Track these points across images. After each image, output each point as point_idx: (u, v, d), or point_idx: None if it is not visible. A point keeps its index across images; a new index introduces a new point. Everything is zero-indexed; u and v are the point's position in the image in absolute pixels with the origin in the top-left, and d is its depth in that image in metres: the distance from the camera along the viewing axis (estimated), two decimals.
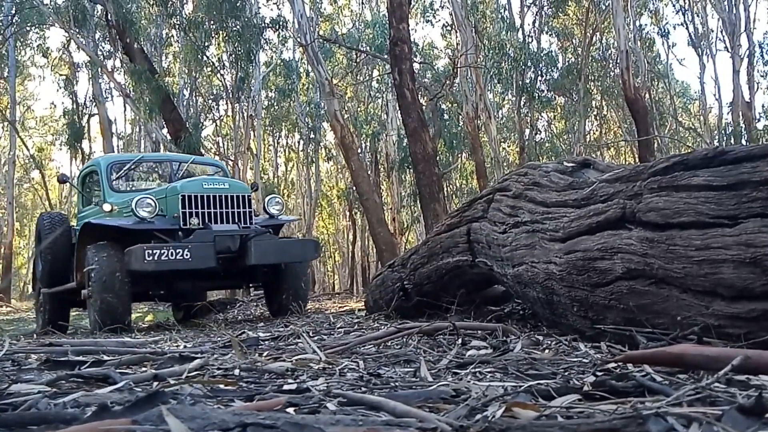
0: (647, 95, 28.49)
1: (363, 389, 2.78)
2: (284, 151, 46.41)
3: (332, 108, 20.06)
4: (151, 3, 27.89)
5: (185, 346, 5.04)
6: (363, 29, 38.36)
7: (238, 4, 26.31)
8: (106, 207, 11.41)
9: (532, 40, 33.75)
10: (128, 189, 12.45)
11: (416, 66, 26.98)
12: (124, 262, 9.91)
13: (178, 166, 13.16)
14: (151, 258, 9.52)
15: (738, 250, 3.17)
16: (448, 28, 36.12)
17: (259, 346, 4.72)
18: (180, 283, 11.31)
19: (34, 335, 10.49)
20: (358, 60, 34.93)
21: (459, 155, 35.33)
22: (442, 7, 36.31)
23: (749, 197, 3.20)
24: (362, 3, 40.03)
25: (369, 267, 37.23)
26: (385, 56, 24.63)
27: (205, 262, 9.96)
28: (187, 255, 9.73)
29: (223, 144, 38.03)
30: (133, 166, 12.88)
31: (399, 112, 20.27)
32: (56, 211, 14.41)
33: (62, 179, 12.93)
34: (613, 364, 2.99)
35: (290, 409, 2.34)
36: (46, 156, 49.93)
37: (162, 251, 9.61)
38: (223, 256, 10.24)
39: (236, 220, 10.62)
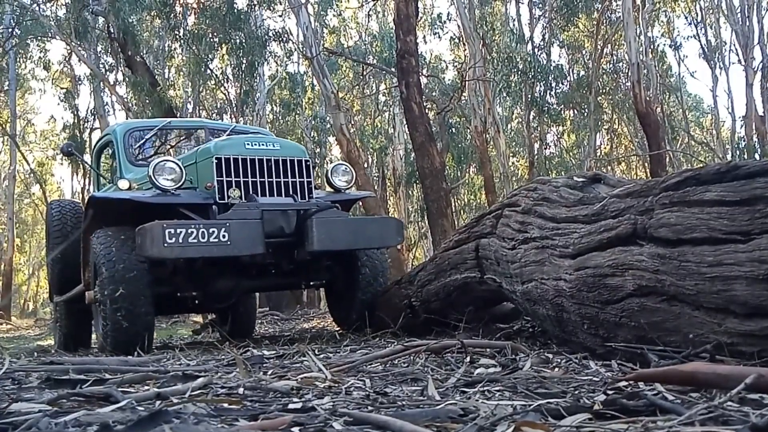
0: (659, 109, 28.52)
1: (369, 408, 2.75)
2: None
3: (338, 122, 20.15)
4: (153, 15, 27.98)
5: (188, 365, 5.01)
6: (369, 42, 38.49)
7: (241, 17, 26.36)
8: (123, 183, 8.79)
9: (542, 53, 33.79)
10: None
11: (424, 79, 27.11)
12: (138, 247, 7.36)
13: (215, 135, 9.94)
14: (173, 240, 7.06)
15: (751, 267, 3.13)
16: (456, 40, 36.25)
17: (264, 364, 4.69)
18: (218, 282, 8.58)
19: (35, 353, 9.16)
20: (364, 73, 34.99)
21: (467, 170, 35.46)
22: (450, 20, 36.41)
23: (763, 213, 3.17)
24: (368, 15, 40.15)
25: None
26: (392, 69, 24.72)
27: (251, 247, 7.44)
28: (224, 236, 7.24)
29: None
30: (157, 135, 10.41)
31: (406, 126, 20.29)
32: (68, 199, 11.65)
33: (66, 150, 10.07)
34: (624, 383, 2.96)
35: (295, 429, 2.33)
36: (46, 171, 49.69)
37: (189, 230, 7.11)
38: (273, 242, 7.76)
39: (291, 193, 8.12)
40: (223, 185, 7.90)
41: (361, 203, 19.92)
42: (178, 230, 7.10)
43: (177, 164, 8.02)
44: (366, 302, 8.73)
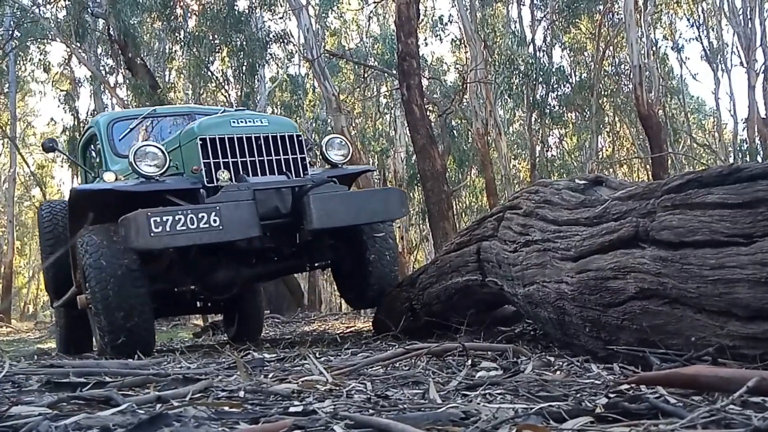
0: (661, 111, 28.50)
1: (371, 411, 2.75)
2: None
3: (339, 124, 20.12)
4: (154, 17, 27.95)
5: (189, 368, 4.99)
6: (371, 44, 38.46)
7: (242, 18, 26.34)
8: (108, 176, 8.18)
9: (544, 55, 33.76)
10: None
11: (425, 81, 27.05)
12: (123, 239, 6.80)
13: None
14: (160, 229, 6.54)
15: (753, 270, 3.13)
16: (458, 42, 36.21)
17: (265, 368, 4.67)
18: (217, 273, 7.94)
19: (35, 356, 9.15)
20: (365, 75, 34.95)
21: (469, 172, 35.41)
22: (451, 22, 36.37)
23: (765, 215, 3.16)
24: (369, 17, 40.13)
25: None
26: (393, 71, 24.68)
27: (245, 230, 6.93)
28: (215, 221, 6.71)
29: None
30: (142, 124, 9.49)
31: (407, 128, 20.26)
32: (59, 199, 10.70)
33: (48, 146, 9.30)
34: (626, 386, 2.96)
35: None
36: (47, 173, 49.22)
37: (177, 217, 6.58)
38: (270, 223, 7.26)
39: (284, 170, 7.55)
40: (210, 167, 7.33)
41: None
42: (165, 218, 6.59)
43: (159, 149, 7.46)
44: (379, 279, 8.31)
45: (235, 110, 8.66)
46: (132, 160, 7.25)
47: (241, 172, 7.38)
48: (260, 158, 7.48)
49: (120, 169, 8.49)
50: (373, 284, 8.27)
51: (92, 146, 9.90)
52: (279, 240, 7.69)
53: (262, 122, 7.72)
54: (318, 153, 8.84)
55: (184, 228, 6.61)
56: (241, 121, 7.60)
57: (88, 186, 8.53)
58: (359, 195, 8.24)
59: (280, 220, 7.39)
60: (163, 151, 7.40)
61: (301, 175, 7.58)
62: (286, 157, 7.59)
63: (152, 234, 6.52)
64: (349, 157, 8.55)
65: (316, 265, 8.97)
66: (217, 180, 7.26)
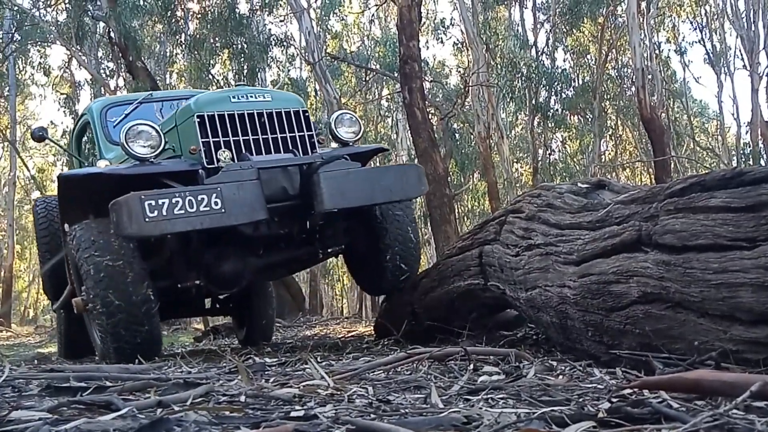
0: (664, 114, 28.45)
1: (372, 416, 2.75)
2: None
3: None
4: (155, 20, 27.93)
5: (190, 372, 4.97)
6: (372, 47, 38.44)
7: (243, 21, 26.32)
8: (102, 164, 7.68)
9: (546, 58, 33.71)
10: None
11: (427, 84, 27.01)
12: (115, 225, 6.15)
13: None
14: (155, 213, 5.93)
15: (757, 274, 3.12)
16: (459, 45, 36.19)
17: (266, 372, 4.66)
18: (223, 264, 7.26)
19: (35, 361, 9.01)
20: (367, 78, 34.92)
21: (471, 176, 35.31)
22: (453, 25, 36.35)
23: None
24: (371, 21, 40.12)
25: None
26: (395, 74, 24.65)
27: (250, 213, 6.31)
28: (216, 203, 6.12)
29: None
30: (137, 109, 8.64)
31: (409, 131, 20.22)
32: (53, 195, 9.97)
33: (37, 134, 8.45)
34: (628, 390, 2.95)
35: None
36: (47, 177, 48.82)
37: (174, 200, 5.98)
38: (277, 206, 6.63)
39: (290, 149, 6.90)
40: (210, 147, 6.66)
41: None
42: (161, 201, 5.97)
43: (153, 128, 6.80)
44: (400, 262, 7.65)
45: (235, 86, 8.14)
46: (124, 140, 6.67)
47: (244, 152, 6.75)
48: (264, 136, 6.85)
49: (115, 156, 7.99)
50: (393, 268, 7.66)
51: (86, 135, 9.35)
52: (288, 225, 7.08)
53: (264, 97, 7.05)
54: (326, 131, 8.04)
55: (182, 212, 6.03)
56: (242, 97, 6.95)
57: (75, 171, 8.00)
58: (373, 172, 7.26)
59: (288, 203, 6.77)
60: (157, 131, 6.81)
61: (309, 154, 6.95)
62: (292, 134, 6.97)
63: (147, 219, 5.93)
64: (360, 134, 7.84)
65: (330, 251, 8.13)
66: (218, 160, 6.63)
